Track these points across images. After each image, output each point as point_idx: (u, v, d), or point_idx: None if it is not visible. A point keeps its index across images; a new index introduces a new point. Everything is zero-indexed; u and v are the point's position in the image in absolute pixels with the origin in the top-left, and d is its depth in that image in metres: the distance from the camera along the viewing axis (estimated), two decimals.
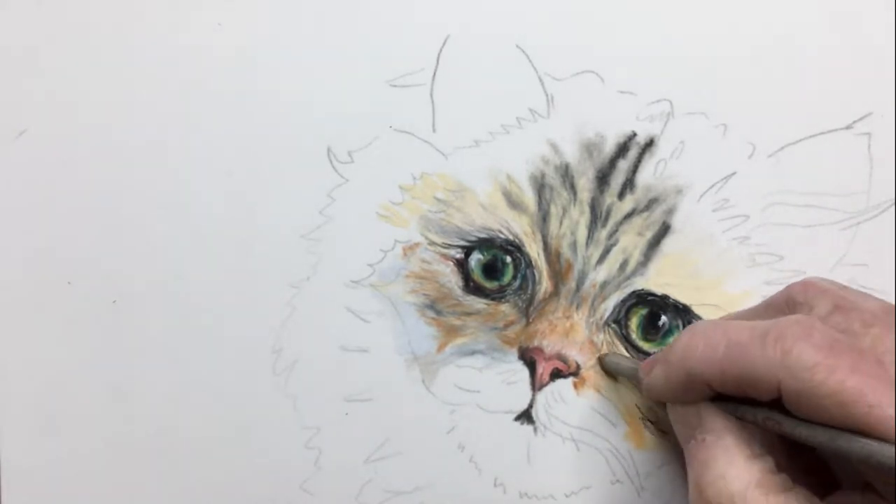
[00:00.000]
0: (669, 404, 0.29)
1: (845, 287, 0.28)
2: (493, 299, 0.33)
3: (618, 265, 0.33)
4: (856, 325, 0.26)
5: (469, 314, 0.33)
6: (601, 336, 0.33)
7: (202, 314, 0.34)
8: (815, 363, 0.24)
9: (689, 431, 0.28)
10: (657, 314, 0.33)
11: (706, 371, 0.26)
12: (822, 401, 0.24)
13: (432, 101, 0.33)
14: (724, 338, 0.26)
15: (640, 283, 0.33)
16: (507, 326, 0.33)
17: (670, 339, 0.33)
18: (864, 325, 0.26)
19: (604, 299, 0.33)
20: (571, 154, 0.33)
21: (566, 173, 0.33)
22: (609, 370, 0.33)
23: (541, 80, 0.33)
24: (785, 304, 0.29)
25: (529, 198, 0.33)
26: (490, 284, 0.33)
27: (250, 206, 0.34)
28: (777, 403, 0.25)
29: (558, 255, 0.33)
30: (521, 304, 0.33)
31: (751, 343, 0.25)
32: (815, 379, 0.24)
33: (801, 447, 0.27)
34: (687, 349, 0.27)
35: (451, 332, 0.33)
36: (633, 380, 0.32)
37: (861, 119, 0.32)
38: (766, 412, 0.26)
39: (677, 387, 0.28)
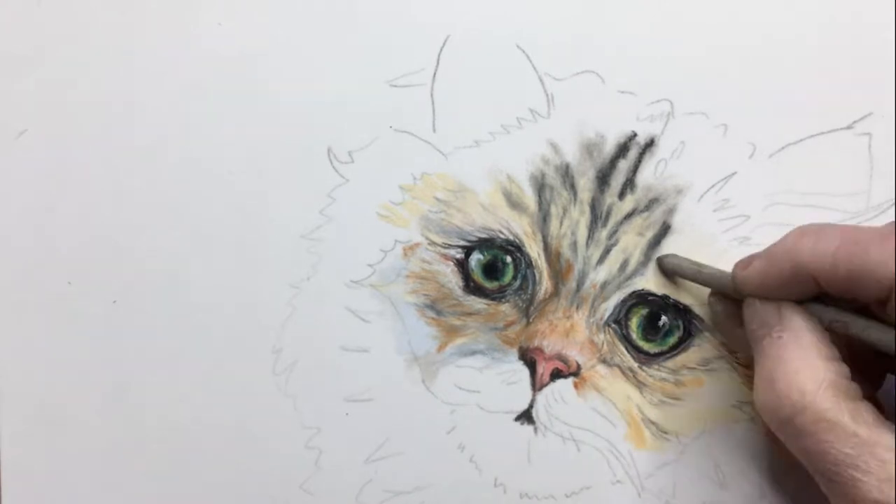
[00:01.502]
0: (747, 301, 0.29)
1: None
2: (493, 299, 0.33)
3: (618, 265, 0.33)
4: None
5: (469, 314, 0.33)
6: (601, 336, 0.33)
7: (202, 314, 0.34)
8: None
9: (765, 329, 0.28)
10: (657, 314, 0.33)
11: (816, 264, 0.26)
12: None
13: (432, 101, 0.33)
14: (839, 233, 0.26)
15: (640, 284, 0.33)
16: (507, 326, 0.33)
17: (670, 340, 0.33)
18: None
19: (604, 299, 0.33)
20: (572, 154, 0.33)
21: (566, 173, 0.33)
22: (667, 270, 0.32)
23: (541, 80, 0.33)
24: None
25: (530, 198, 0.33)
26: (490, 284, 0.33)
27: (250, 206, 0.34)
28: (880, 308, 0.25)
29: (559, 255, 0.33)
30: (521, 305, 0.33)
31: (870, 240, 0.25)
32: None
33: (873, 375, 0.27)
34: (797, 242, 0.27)
35: (451, 332, 0.33)
36: (694, 278, 0.31)
37: (861, 119, 0.32)
38: (855, 317, 0.26)
39: (777, 280, 0.28)
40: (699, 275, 0.31)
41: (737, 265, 0.30)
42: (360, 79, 0.33)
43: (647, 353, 0.33)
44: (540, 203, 0.33)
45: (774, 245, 0.28)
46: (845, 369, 0.26)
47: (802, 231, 0.27)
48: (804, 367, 0.26)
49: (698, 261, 0.32)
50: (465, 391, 0.33)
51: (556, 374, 0.33)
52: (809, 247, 0.27)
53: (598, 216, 0.33)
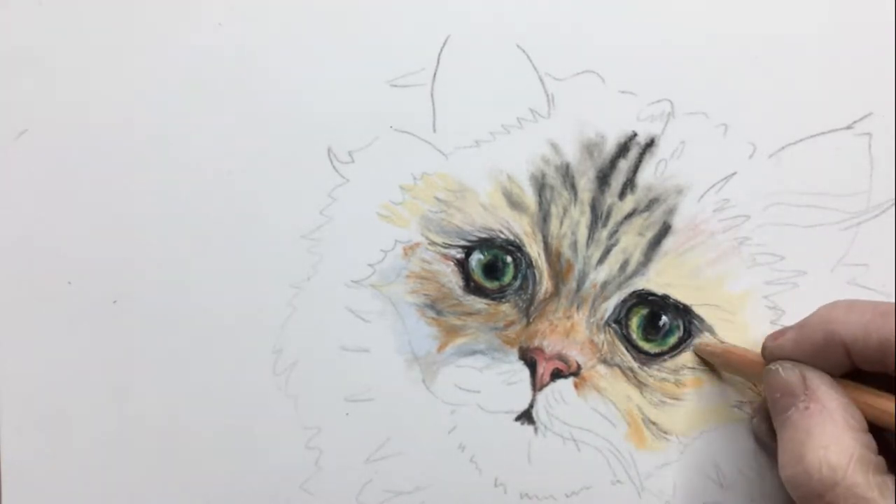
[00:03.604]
0: (769, 369, 0.29)
1: None
2: (493, 299, 0.33)
3: (618, 265, 0.33)
4: None
5: (469, 314, 0.33)
6: (602, 336, 0.33)
7: (202, 314, 0.34)
8: None
9: (790, 399, 0.28)
10: (658, 314, 0.33)
11: (848, 333, 0.26)
12: None
13: (433, 101, 0.33)
14: (870, 306, 0.27)
15: (640, 284, 0.33)
16: (507, 326, 0.33)
17: (671, 339, 0.33)
18: None
19: (604, 299, 0.33)
20: (572, 154, 0.33)
21: (567, 173, 0.33)
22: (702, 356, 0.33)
23: (541, 79, 0.33)
24: None
25: (530, 198, 0.33)
26: (490, 284, 0.33)
27: (251, 206, 0.34)
28: None
29: (559, 255, 0.33)
30: (521, 304, 0.33)
31: None
32: None
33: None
34: (830, 312, 0.27)
35: (451, 332, 0.33)
36: (724, 365, 0.32)
37: (861, 119, 0.32)
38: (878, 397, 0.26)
39: (809, 349, 0.28)
40: (727, 361, 0.31)
41: (767, 337, 0.30)
42: (360, 79, 0.33)
43: (647, 353, 0.33)
44: (540, 203, 0.33)
45: (807, 317, 0.28)
46: (872, 442, 0.26)
47: (835, 303, 0.28)
48: (833, 440, 0.26)
49: (728, 343, 0.32)
50: (466, 391, 0.33)
51: (557, 374, 0.33)
52: (842, 316, 0.27)
53: (598, 216, 0.33)
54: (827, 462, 0.25)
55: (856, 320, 0.26)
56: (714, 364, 0.33)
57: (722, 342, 0.32)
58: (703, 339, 0.33)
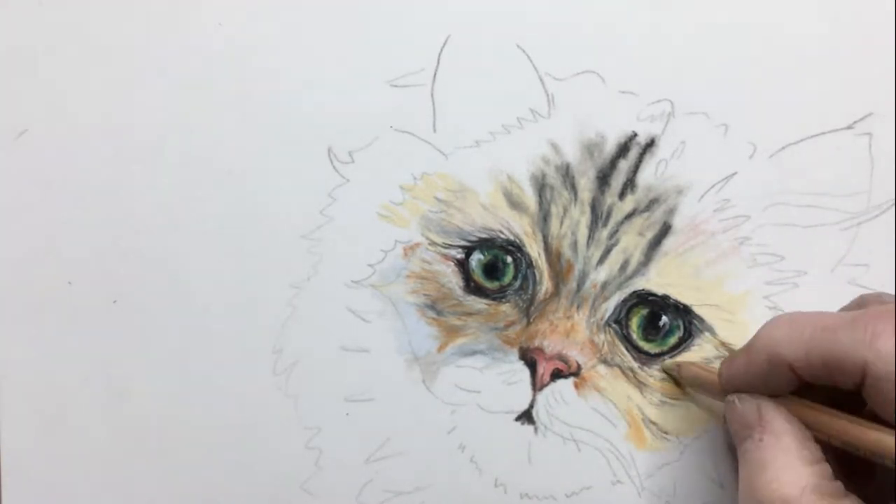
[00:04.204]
0: (727, 401, 0.29)
1: None
2: (493, 299, 0.33)
3: (619, 265, 0.33)
4: None
5: (470, 314, 0.33)
6: (602, 336, 0.33)
7: (202, 314, 0.34)
8: None
9: (747, 431, 0.28)
10: (658, 314, 0.33)
11: (790, 353, 0.26)
12: None
13: (433, 101, 0.33)
14: (810, 322, 0.26)
15: (640, 284, 0.33)
16: (507, 326, 0.33)
17: (671, 340, 0.33)
18: None
19: (605, 299, 0.33)
20: (572, 154, 0.33)
21: (567, 173, 0.33)
22: (682, 380, 0.33)
23: (541, 79, 0.33)
24: (857, 306, 0.29)
25: (530, 198, 0.33)
26: (491, 284, 0.33)
27: (251, 206, 0.34)
28: (855, 395, 0.25)
29: (559, 255, 0.33)
30: (521, 305, 0.33)
31: (839, 326, 0.25)
32: None
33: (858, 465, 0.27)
34: (770, 333, 0.27)
35: (451, 332, 0.33)
36: (704, 389, 0.32)
37: (862, 119, 0.32)
38: (832, 417, 0.26)
39: (757, 374, 0.28)
40: (692, 382, 0.31)
41: (723, 363, 0.30)
42: (360, 79, 0.33)
43: (647, 353, 0.33)
44: (540, 203, 0.33)
45: (752, 339, 0.28)
46: (827, 469, 0.26)
47: (776, 320, 0.28)
48: (784, 472, 0.26)
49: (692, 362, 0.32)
50: (466, 391, 0.33)
51: (557, 374, 0.33)
52: (783, 335, 0.27)
53: (598, 216, 0.33)
54: (780, 494, 0.25)
55: (797, 339, 0.26)
56: (681, 381, 0.33)
57: (689, 363, 0.32)
58: (667, 361, 0.33)
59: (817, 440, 0.27)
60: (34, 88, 0.34)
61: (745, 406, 0.28)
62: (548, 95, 0.33)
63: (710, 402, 0.33)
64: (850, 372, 0.25)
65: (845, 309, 0.30)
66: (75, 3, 0.34)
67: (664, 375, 0.33)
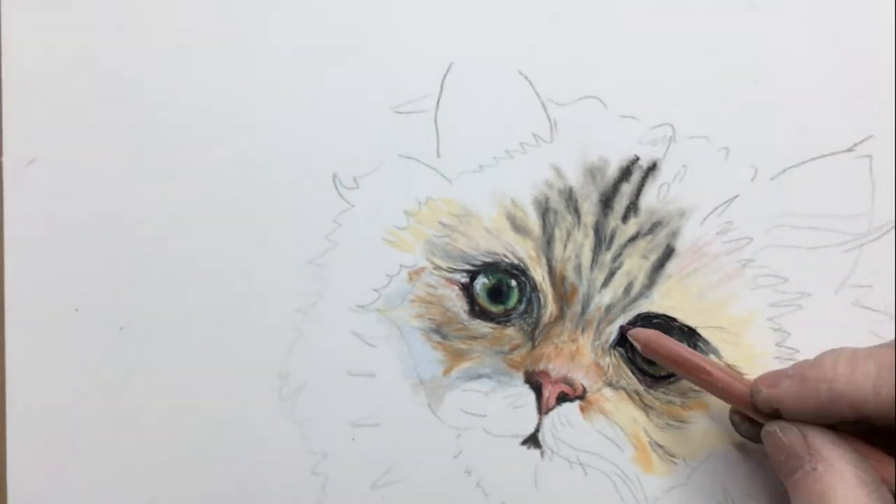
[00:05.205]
0: (767, 431, 0.28)
1: None
2: (498, 323, 0.33)
3: (622, 288, 0.33)
4: None
5: (475, 338, 0.33)
6: (607, 359, 0.33)
7: (209, 340, 0.34)
8: None
9: (796, 462, 0.27)
10: None
11: (857, 393, 0.26)
12: None
13: (437, 127, 0.33)
14: (874, 357, 0.26)
15: (645, 306, 0.33)
16: (512, 350, 0.33)
17: None
18: None
19: (609, 322, 0.33)
20: (575, 178, 0.33)
21: (570, 197, 0.33)
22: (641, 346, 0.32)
23: (544, 105, 0.33)
24: None
25: (534, 222, 0.33)
26: (495, 308, 0.33)
27: (257, 232, 0.34)
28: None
29: (563, 278, 0.33)
30: (526, 328, 0.33)
31: None
32: None
33: None
34: (833, 370, 0.26)
35: (456, 356, 0.33)
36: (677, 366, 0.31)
37: (862, 141, 0.32)
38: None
39: (814, 406, 0.27)
40: (683, 365, 0.31)
41: (760, 381, 0.29)
42: (365, 106, 0.34)
43: (652, 376, 0.33)
44: (544, 227, 0.33)
45: (807, 369, 0.27)
46: (887, 494, 0.26)
47: (836, 355, 0.27)
48: (847, 500, 0.25)
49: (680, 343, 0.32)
50: (472, 415, 0.33)
51: (562, 398, 0.33)
52: (846, 375, 0.26)
53: (601, 239, 0.33)
54: None
55: (862, 378, 0.26)
56: (692, 381, 0.32)
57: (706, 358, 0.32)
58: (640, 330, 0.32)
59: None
60: (43, 117, 0.34)
61: (790, 436, 0.27)
62: (550, 120, 0.33)
63: (718, 425, 0.33)
64: None
65: None
66: (83, 34, 0.34)
67: (670, 398, 0.33)
